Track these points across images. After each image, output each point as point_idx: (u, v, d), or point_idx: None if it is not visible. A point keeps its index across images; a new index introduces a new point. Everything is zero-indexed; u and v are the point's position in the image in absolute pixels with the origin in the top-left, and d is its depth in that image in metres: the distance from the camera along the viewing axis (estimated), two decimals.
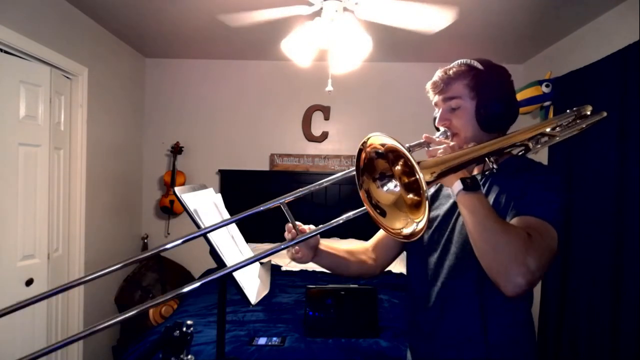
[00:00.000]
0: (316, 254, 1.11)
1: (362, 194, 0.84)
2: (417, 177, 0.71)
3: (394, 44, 3.22)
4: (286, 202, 0.89)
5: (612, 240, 2.31)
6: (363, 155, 0.82)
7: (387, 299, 2.54)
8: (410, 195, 0.79)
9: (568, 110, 1.17)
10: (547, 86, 2.86)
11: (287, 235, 1.01)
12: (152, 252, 0.79)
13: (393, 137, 0.74)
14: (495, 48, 3.32)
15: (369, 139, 0.79)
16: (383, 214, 0.82)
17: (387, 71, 3.81)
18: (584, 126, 1.16)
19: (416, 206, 0.77)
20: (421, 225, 0.74)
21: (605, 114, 1.19)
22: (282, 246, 0.86)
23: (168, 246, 0.78)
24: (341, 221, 0.88)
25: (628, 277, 2.18)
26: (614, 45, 2.37)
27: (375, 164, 0.83)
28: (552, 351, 2.80)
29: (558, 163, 2.86)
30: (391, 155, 0.79)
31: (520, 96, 2.92)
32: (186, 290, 0.71)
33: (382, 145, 0.78)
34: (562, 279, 2.75)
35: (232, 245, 1.27)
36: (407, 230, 0.78)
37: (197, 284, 0.72)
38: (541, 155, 3.12)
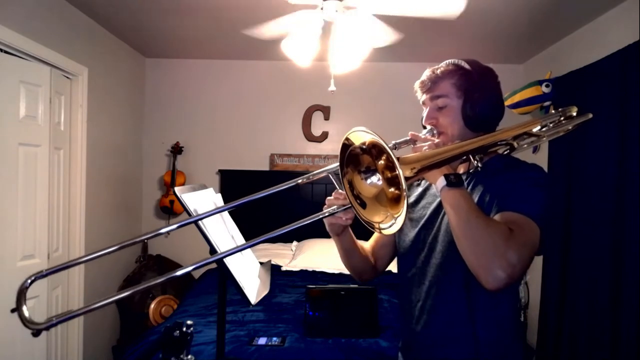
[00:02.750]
0: (344, 231, 1.10)
1: (345, 184, 0.86)
2: (397, 172, 0.73)
3: (394, 44, 3.21)
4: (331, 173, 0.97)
5: (612, 240, 2.31)
6: (349, 147, 0.84)
7: (387, 299, 2.54)
8: (392, 189, 0.81)
9: (553, 111, 1.18)
10: (547, 86, 2.86)
11: (335, 201, 0.97)
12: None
13: (376, 132, 0.76)
14: (495, 48, 3.32)
15: (352, 133, 0.81)
16: (363, 205, 0.85)
17: (387, 71, 3.81)
18: (569, 127, 1.17)
19: (396, 200, 0.79)
20: (399, 219, 0.76)
21: (590, 115, 1.20)
22: (337, 209, 0.94)
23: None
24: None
25: (628, 277, 2.18)
26: (614, 45, 2.37)
27: (360, 158, 0.85)
28: (552, 351, 2.80)
29: (558, 163, 2.86)
30: (375, 150, 0.81)
31: (520, 96, 2.92)
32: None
33: (366, 140, 0.80)
34: (562, 279, 2.75)
35: (232, 245, 1.27)
36: (385, 225, 0.80)
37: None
38: (541, 155, 3.12)
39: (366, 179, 0.86)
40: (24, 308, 0.67)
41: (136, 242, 0.79)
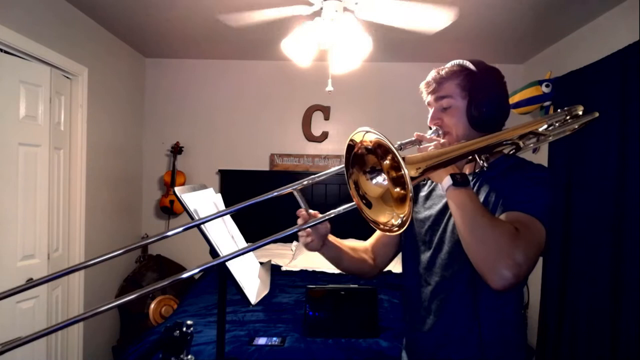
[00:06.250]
0: (324, 244, 1.10)
1: (350, 185, 0.87)
2: (402, 172, 0.73)
3: (394, 44, 3.22)
4: (298, 188, 0.97)
5: (612, 240, 2.31)
6: (354, 148, 0.84)
7: (387, 299, 2.54)
8: (397, 189, 0.81)
9: (559, 110, 1.17)
10: (547, 86, 2.86)
11: (299, 220, 1.02)
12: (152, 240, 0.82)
13: (381, 132, 0.77)
14: (495, 48, 3.32)
15: (357, 133, 0.82)
16: (369, 205, 0.86)
17: (387, 71, 3.81)
18: (576, 126, 1.17)
19: (402, 200, 0.79)
20: (404, 219, 0.76)
21: (597, 114, 1.19)
22: (296, 228, 0.92)
23: (169, 233, 0.83)
24: (341, 211, 0.93)
25: (628, 277, 2.18)
26: (614, 45, 2.37)
27: (365, 158, 0.85)
28: (552, 351, 2.80)
29: (558, 163, 2.86)
30: (380, 150, 0.81)
31: (520, 96, 2.92)
32: (185, 276, 0.74)
33: (371, 140, 0.80)
34: (562, 279, 2.75)
35: (232, 245, 1.27)
36: (389, 227, 0.81)
37: (196, 270, 0.76)
38: (541, 155, 3.12)
39: (372, 179, 0.87)
40: None
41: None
